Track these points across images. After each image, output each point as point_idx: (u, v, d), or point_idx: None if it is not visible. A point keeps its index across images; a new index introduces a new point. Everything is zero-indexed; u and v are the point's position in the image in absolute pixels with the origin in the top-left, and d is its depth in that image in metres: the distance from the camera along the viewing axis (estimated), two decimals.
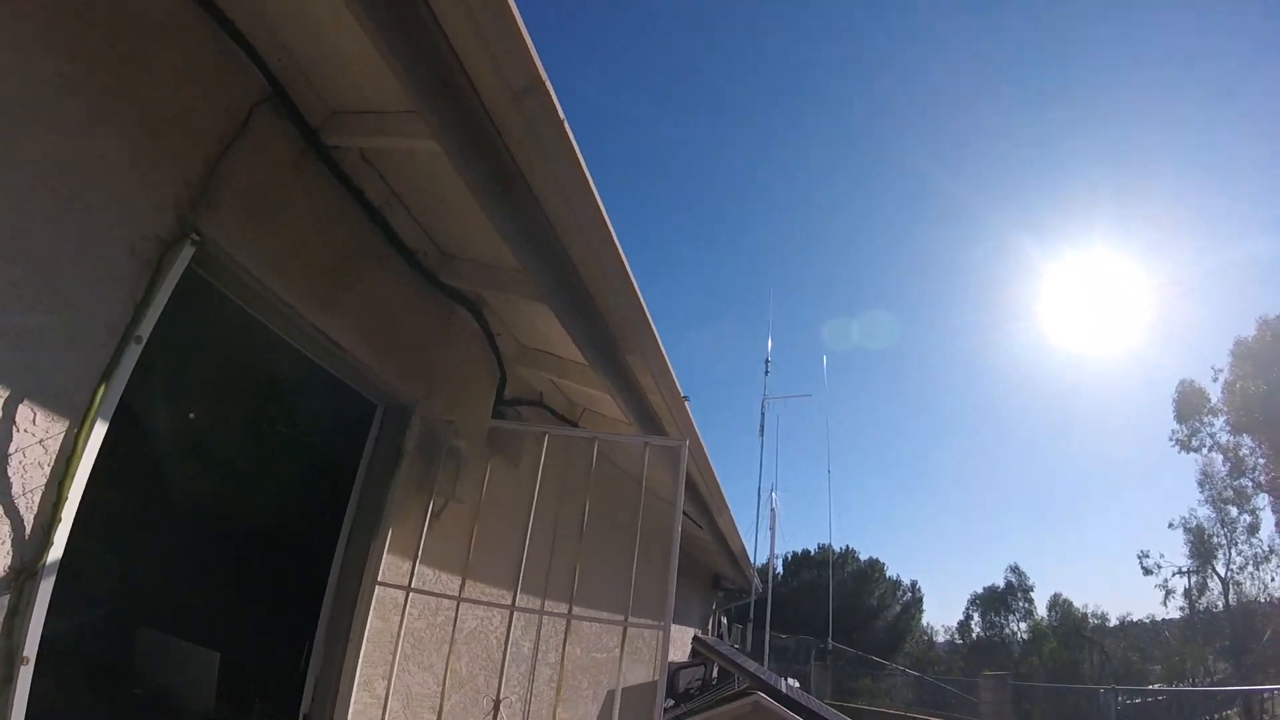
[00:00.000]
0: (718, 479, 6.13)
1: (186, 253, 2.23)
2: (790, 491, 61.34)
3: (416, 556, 3.28)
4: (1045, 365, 74.79)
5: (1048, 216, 66.91)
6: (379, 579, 3.20)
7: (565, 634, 3.18)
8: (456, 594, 3.25)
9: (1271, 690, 9.67)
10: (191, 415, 4.07)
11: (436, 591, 3.47)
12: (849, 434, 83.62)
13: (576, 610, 3.12)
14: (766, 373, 23.82)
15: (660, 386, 3.95)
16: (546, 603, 4.18)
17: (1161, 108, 55.66)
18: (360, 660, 3.13)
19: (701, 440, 5.11)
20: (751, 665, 9.46)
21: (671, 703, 8.43)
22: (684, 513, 6.99)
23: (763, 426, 22.74)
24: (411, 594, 3.23)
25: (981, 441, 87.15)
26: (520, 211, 2.58)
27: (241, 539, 4.39)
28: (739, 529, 9.33)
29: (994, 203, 61.91)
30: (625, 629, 3.12)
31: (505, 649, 3.27)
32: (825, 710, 8.35)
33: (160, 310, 2.16)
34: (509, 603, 3.28)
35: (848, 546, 44.09)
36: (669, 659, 9.68)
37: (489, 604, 3.68)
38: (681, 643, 10.07)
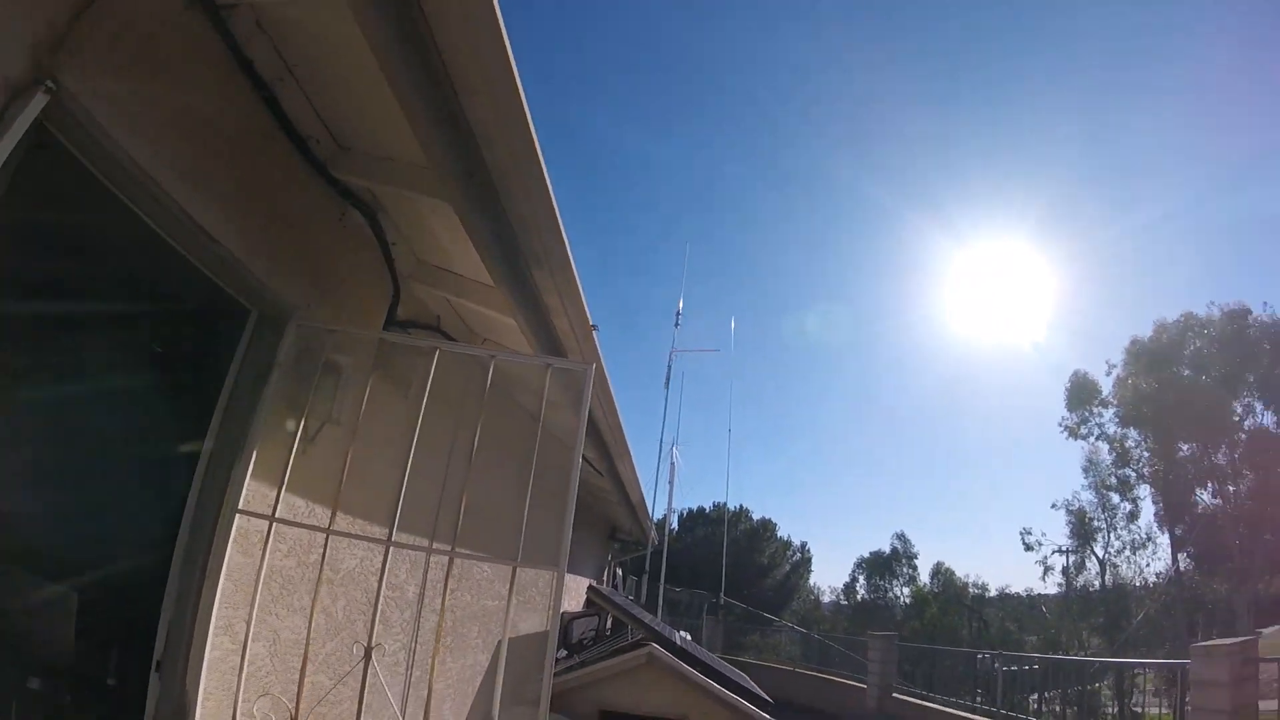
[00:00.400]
0: (621, 421, 5.84)
1: (38, 102, 1.83)
2: (691, 447, 62.08)
3: (283, 483, 2.87)
4: (948, 346, 77.31)
5: (958, 208, 69.12)
6: (240, 507, 2.78)
7: (447, 574, 2.85)
8: (325, 526, 2.88)
9: (1143, 664, 10.11)
10: (31, 306, 3.52)
11: (303, 522, 3.07)
12: (752, 397, 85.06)
13: (461, 550, 2.80)
14: (677, 325, 23.71)
15: (567, 308, 3.61)
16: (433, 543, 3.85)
17: (1074, 100, 57.89)
18: (218, 600, 2.73)
19: (607, 373, 4.81)
20: (646, 617, 9.36)
21: (565, 653, 8.24)
22: (585, 459, 6.70)
23: (668, 378, 22.66)
24: (276, 524, 2.81)
25: (878, 413, 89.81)
26: (427, 81, 2.21)
27: (90, 456, 3.88)
28: (639, 480, 9.16)
29: (903, 194, 63.42)
30: (515, 571, 2.82)
31: (379, 589, 2.91)
32: (717, 662, 8.33)
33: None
34: (385, 538, 2.92)
35: (742, 505, 44.90)
36: (563, 609, 9.49)
37: (359, 538, 3.30)
38: (576, 592, 9.89)
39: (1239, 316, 29.41)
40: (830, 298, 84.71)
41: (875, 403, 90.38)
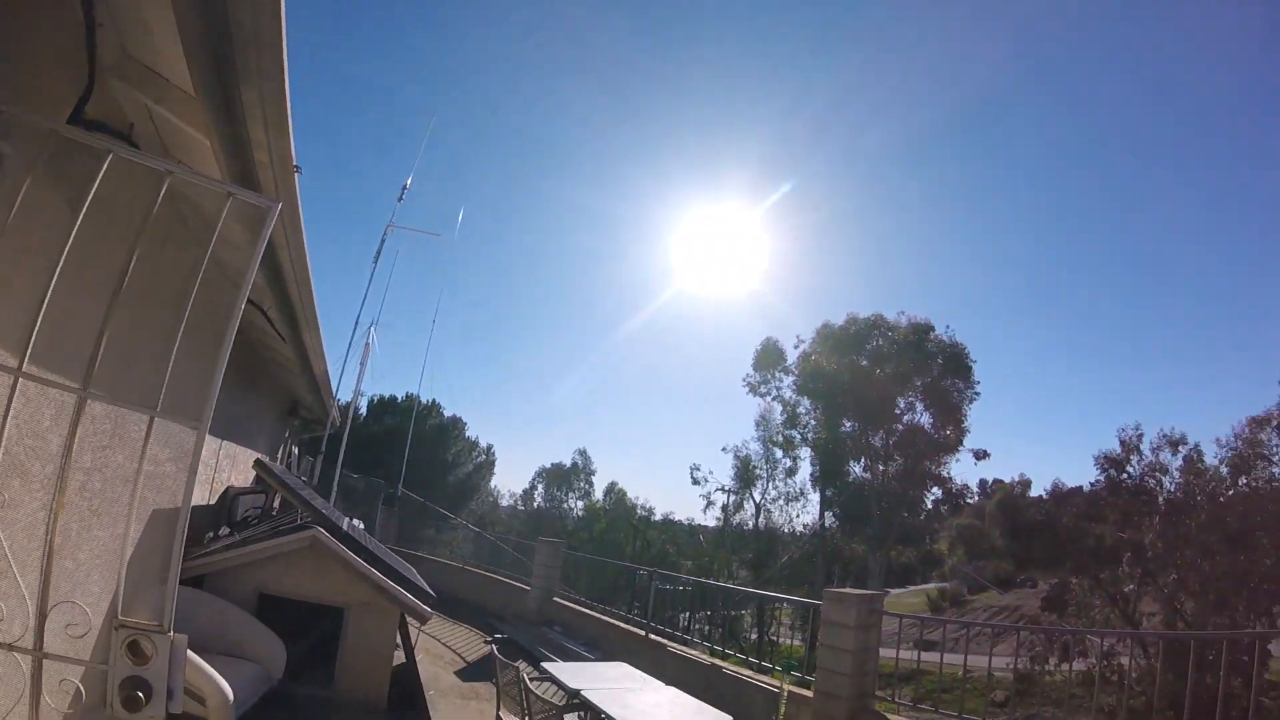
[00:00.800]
0: (311, 280, 5.23)
1: None
2: (393, 334, 59.98)
3: None
4: (664, 286, 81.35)
5: (697, 164, 72.92)
6: None
7: (76, 416, 2.31)
8: None
9: (784, 599, 11.35)
10: None
11: None
12: (466, 296, 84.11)
13: (95, 390, 2.29)
14: (400, 199, 22.23)
15: (271, 140, 3.04)
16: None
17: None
18: None
19: (303, 225, 4.27)
20: (317, 501, 8.84)
21: (227, 530, 7.54)
22: (269, 320, 6.02)
23: (379, 253, 21.26)
24: None
25: (584, 336, 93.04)
26: None
27: None
28: (327, 355, 8.48)
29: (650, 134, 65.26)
30: (152, 422, 2.35)
31: (3, 428, 2.26)
32: (383, 552, 8.07)
33: None
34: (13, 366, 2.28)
35: (435, 400, 44.33)
36: (230, 483, 8.66)
37: None
38: (244, 465, 9.06)
39: (923, 329, 33.90)
40: (565, 217, 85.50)
41: (582, 326, 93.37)
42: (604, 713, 4.74)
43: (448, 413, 45.22)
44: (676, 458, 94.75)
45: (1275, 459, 22.75)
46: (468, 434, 46.56)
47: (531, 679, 4.98)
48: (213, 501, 8.05)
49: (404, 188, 22.32)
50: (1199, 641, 6.70)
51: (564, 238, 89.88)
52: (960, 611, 43.17)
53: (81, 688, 2.14)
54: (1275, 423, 22.99)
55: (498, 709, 5.43)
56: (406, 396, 41.64)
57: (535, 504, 51.71)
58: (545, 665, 5.96)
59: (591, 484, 53.11)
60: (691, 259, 71.61)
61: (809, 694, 6.98)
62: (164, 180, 2.30)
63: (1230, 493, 22.56)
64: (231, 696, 4.59)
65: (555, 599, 12.72)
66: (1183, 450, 24.40)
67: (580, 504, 50.51)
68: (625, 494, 50.46)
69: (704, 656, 9.18)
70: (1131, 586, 23.40)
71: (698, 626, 10.80)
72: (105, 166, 2.27)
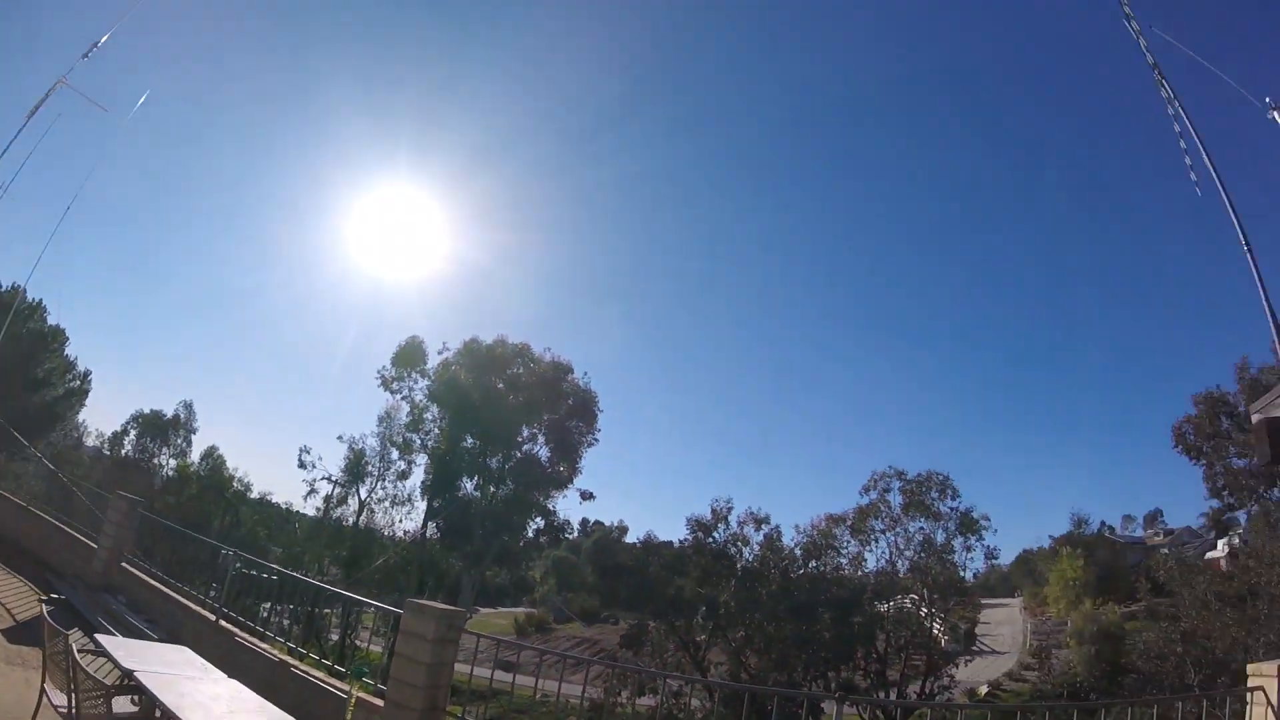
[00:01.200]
0: None
1: None
2: (29, 209, 50.67)
3: None
4: (322, 255, 77.56)
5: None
6: None
7: None
8: None
9: (366, 603, 11.42)
10: None
11: None
12: (118, 191, 74.01)
13: None
14: (86, 55, 19.21)
15: None
16: None
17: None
18: None
19: None
20: None
21: None
22: None
23: (36, 109, 18.30)
24: None
25: (222, 277, 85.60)
26: None
27: None
28: None
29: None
30: None
31: None
32: None
33: None
34: None
35: (41, 300, 38.21)
36: None
37: None
38: None
39: (563, 369, 36.40)
40: (246, 142, 78.40)
41: (225, 267, 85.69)
42: (157, 699, 4.42)
43: (51, 319, 39.30)
44: (287, 436, 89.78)
45: (843, 551, 28.02)
46: (66, 352, 40.81)
47: (83, 651, 4.63)
48: None
49: (94, 45, 19.46)
50: (758, 694, 7.74)
51: (237, 165, 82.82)
52: (545, 638, 45.76)
53: None
54: (849, 523, 28.23)
55: (42, 681, 5.01)
56: (12, 287, 35.50)
57: (124, 451, 46.57)
58: (100, 638, 5.43)
59: (190, 443, 49.53)
60: (358, 235, 70.01)
61: (380, 703, 6.94)
62: None
63: (801, 571, 26.87)
64: None
65: (124, 564, 11.62)
66: (765, 528, 28.51)
67: (174, 462, 46.66)
68: (224, 462, 47.63)
69: (276, 652, 8.80)
70: (703, 636, 26.44)
71: (278, 620, 10.57)
72: None
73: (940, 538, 28.09)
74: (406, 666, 6.72)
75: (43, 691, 5.00)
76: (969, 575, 30.07)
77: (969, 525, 27.96)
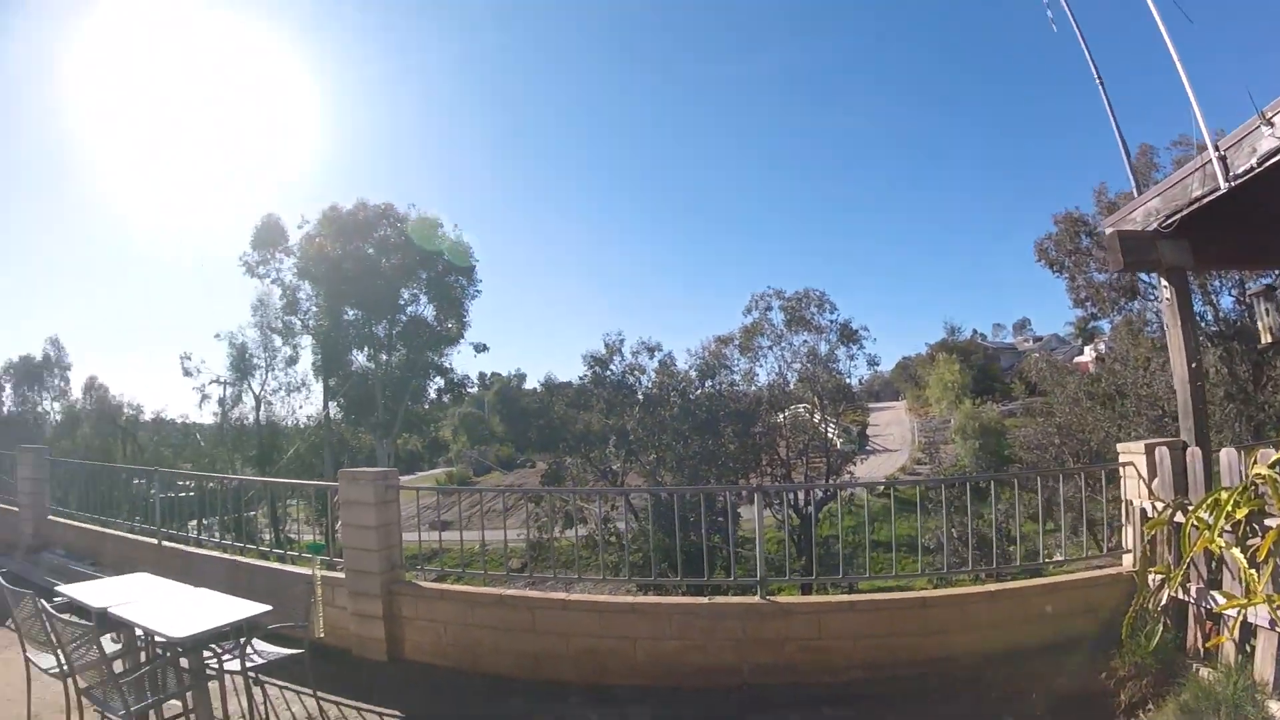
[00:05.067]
0: None
1: None
2: None
3: None
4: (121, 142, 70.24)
5: None
6: None
7: None
8: None
9: (299, 484, 11.25)
10: None
11: None
12: None
13: None
14: None
15: None
16: None
17: None
18: None
19: None
20: None
21: None
22: None
23: None
24: None
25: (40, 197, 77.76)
26: None
27: None
28: None
29: None
30: None
31: None
32: None
33: None
34: None
35: None
36: None
37: None
38: None
39: (432, 225, 35.06)
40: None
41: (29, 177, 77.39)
42: (136, 624, 4.60)
43: None
44: (164, 347, 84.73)
45: (735, 370, 29.46)
46: None
47: (49, 610, 4.52)
48: None
49: None
50: (680, 500, 8.20)
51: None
52: (469, 492, 46.81)
53: None
54: (737, 342, 29.60)
55: (24, 650, 4.96)
56: None
57: (4, 410, 43.36)
58: (60, 589, 5.44)
59: (68, 381, 46.77)
60: (173, 108, 63.72)
61: (340, 575, 7.19)
62: None
63: (699, 391, 27.96)
64: None
65: (50, 517, 11.30)
66: (658, 355, 29.31)
67: (58, 406, 44.02)
68: (108, 391, 45.41)
69: (226, 555, 8.99)
70: (618, 465, 27.42)
71: (208, 537, 10.45)
72: None
73: (824, 349, 29.63)
74: (356, 534, 7.02)
75: (27, 661, 4.96)
76: (854, 382, 32.27)
77: (849, 335, 29.41)
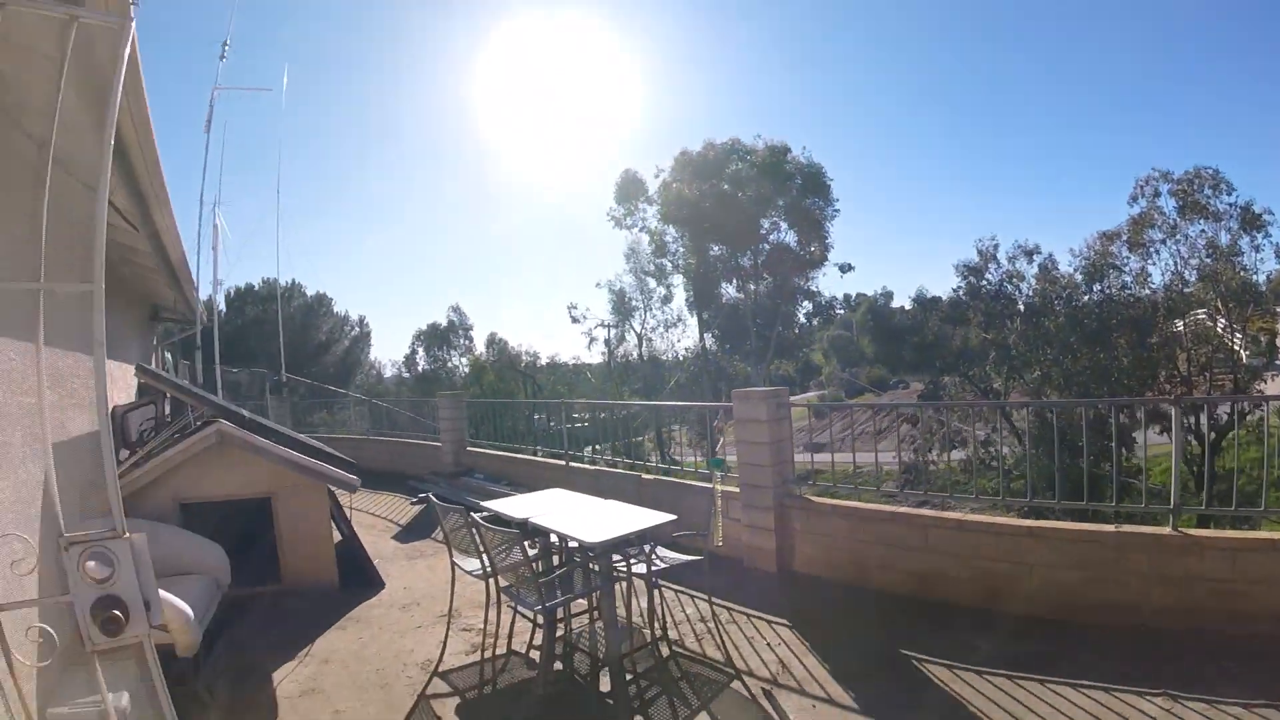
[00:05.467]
0: (157, 147, 4.46)
1: None
2: (236, 211, 56.15)
3: None
4: (507, 132, 78.29)
5: None
6: None
7: None
8: None
9: (689, 406, 11.55)
10: None
11: None
12: (300, 163, 79.35)
13: None
14: (222, 58, 20.43)
15: None
16: None
17: None
18: None
19: (140, 67, 3.49)
20: (210, 396, 8.42)
21: (126, 453, 7.00)
22: (113, 206, 5.30)
23: (210, 120, 19.61)
24: None
25: (436, 189, 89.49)
26: None
27: None
28: (180, 237, 7.56)
29: None
30: (41, 295, 1.98)
31: None
32: (291, 434, 7.84)
33: None
34: None
35: (294, 280, 42.43)
36: (113, 402, 7.87)
37: None
38: (123, 382, 8.34)
39: (779, 152, 34.14)
40: (390, 64, 79.71)
41: (434, 180, 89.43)
42: (555, 531, 4.89)
43: (310, 291, 43.50)
44: (552, 300, 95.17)
45: (1125, 270, 24.74)
46: (336, 309, 45.12)
47: (471, 521, 4.97)
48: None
49: (224, 45, 20.42)
50: (1067, 424, 7.23)
51: (401, 85, 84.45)
52: (843, 413, 46.28)
53: (51, 631, 1.94)
54: (1125, 237, 24.93)
55: (450, 556, 5.50)
56: (264, 282, 39.80)
57: (419, 368, 51.19)
58: (484, 504, 5.86)
59: (471, 339, 53.12)
60: (545, 95, 69.42)
61: (735, 489, 7.33)
62: None
63: (1085, 298, 24.31)
64: (192, 614, 4.45)
65: (468, 448, 12.90)
66: (1037, 259, 25.92)
67: (464, 360, 50.29)
68: (507, 344, 50.75)
69: (627, 471, 9.54)
70: (999, 382, 25.11)
71: (611, 457, 11.12)
72: None
73: (1224, 239, 24.17)
74: (750, 450, 7.12)
75: (453, 565, 5.51)
76: (1260, 279, 25.49)
77: (1252, 221, 23.72)
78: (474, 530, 4.83)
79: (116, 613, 1.93)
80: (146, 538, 2.06)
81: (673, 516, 5.04)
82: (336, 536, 7.46)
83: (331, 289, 53.21)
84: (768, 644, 5.27)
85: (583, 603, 5.49)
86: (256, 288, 40.44)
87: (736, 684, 4.68)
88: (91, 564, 1.94)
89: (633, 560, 5.18)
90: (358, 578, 7.22)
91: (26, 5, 2.14)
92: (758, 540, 7.07)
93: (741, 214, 33.37)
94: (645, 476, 8.84)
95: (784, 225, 35.05)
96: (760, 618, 5.76)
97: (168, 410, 8.77)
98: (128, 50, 2.12)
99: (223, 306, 30.97)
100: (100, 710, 3.31)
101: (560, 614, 5.20)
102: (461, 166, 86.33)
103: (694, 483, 8.25)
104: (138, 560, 2.02)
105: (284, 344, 24.24)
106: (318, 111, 78.97)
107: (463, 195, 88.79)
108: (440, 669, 5.17)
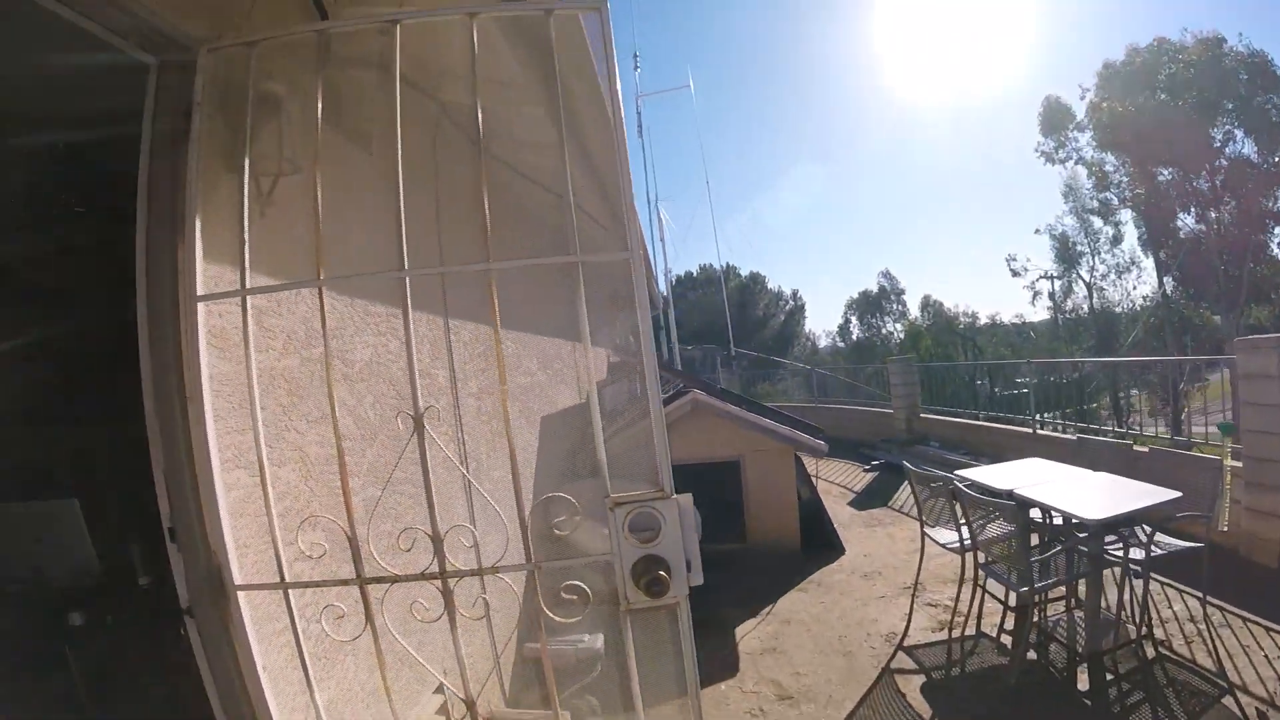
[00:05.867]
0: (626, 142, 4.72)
1: None
2: (672, 205, 60.89)
3: (244, 258, 1.97)
4: (913, 78, 74.49)
5: None
6: (200, 293, 1.95)
7: (492, 293, 2.05)
8: (316, 280, 1.97)
9: (1187, 360, 9.88)
10: None
11: (285, 282, 2.28)
12: (717, 148, 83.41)
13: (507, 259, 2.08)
14: (636, 68, 22.54)
15: None
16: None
17: None
18: (210, 423, 1.92)
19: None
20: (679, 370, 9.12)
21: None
22: (582, 209, 5.87)
23: (640, 126, 21.67)
24: (251, 299, 1.94)
25: (850, 154, 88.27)
26: None
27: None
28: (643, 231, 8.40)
29: None
30: (579, 267, 2.05)
31: (410, 345, 2.06)
32: (748, 402, 8.19)
33: None
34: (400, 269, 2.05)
35: (728, 263, 44.94)
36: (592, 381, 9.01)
37: (370, 274, 2.74)
38: (597, 364, 9.55)
39: (1214, 45, 27.88)
40: (791, 37, 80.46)
41: (847, 143, 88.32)
42: (1049, 506, 4.43)
43: (744, 271, 45.73)
44: (987, 254, 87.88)
45: None
46: (770, 286, 46.86)
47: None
48: (582, 400, 8.52)
49: (635, 56, 22.36)
50: None
51: (797, 57, 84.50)
52: None
53: (585, 587, 2.02)
54: None
55: (921, 527, 5.34)
56: (701, 269, 42.61)
57: (853, 336, 50.88)
58: (960, 473, 5.52)
59: (904, 304, 51.17)
60: (940, 35, 64.88)
61: (1237, 464, 6.19)
62: (472, 25, 2.01)
63: None
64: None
65: (921, 414, 12.44)
66: None
67: (899, 326, 48.71)
68: (942, 305, 48.17)
69: (1116, 441, 8.33)
70: None
71: (1056, 422, 9.94)
72: (399, 39, 2.03)
73: None
74: (1257, 415, 5.88)
75: (923, 535, 5.31)
76: None
77: None
78: (955, 500, 4.62)
79: (662, 573, 1.98)
80: (692, 498, 2.07)
81: (1177, 494, 4.39)
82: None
83: (762, 266, 55.34)
84: (1266, 657, 4.46)
85: (1058, 589, 5.01)
86: (694, 274, 43.69)
87: (1227, 699, 4.02)
88: (636, 524, 2.02)
89: (1133, 543, 4.55)
90: (818, 541, 7.33)
91: (505, 9, 2.26)
92: (1262, 527, 5.90)
93: (1185, 126, 27.67)
94: (1137, 448, 7.74)
95: (1239, 134, 28.42)
96: (1259, 623, 4.88)
97: (638, 388, 9.74)
98: (609, 33, 2.13)
99: (667, 291, 33.92)
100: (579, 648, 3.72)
101: (1035, 599, 4.80)
102: (873, 127, 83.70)
103: (1196, 454, 7.22)
104: (683, 521, 2.06)
105: (729, 321, 25.76)
106: (727, 101, 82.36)
107: (877, 157, 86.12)
108: (905, 643, 5.06)
